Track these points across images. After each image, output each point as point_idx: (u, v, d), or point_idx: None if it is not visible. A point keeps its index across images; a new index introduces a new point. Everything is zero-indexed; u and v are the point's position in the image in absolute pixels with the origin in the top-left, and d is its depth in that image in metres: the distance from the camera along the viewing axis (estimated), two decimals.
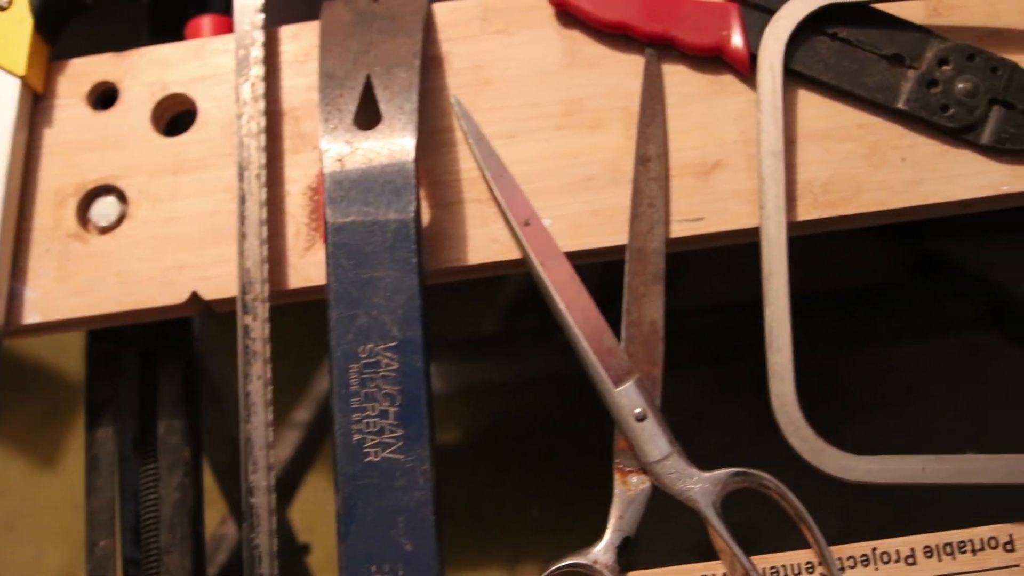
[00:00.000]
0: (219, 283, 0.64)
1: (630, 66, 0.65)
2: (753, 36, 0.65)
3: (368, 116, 0.62)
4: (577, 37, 0.66)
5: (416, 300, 0.59)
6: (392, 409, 0.58)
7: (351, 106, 0.63)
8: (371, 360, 0.58)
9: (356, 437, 0.58)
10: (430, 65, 0.66)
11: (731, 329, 1.21)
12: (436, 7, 0.67)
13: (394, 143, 0.61)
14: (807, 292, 0.87)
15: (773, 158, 0.62)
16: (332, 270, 0.60)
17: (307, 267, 0.64)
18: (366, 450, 0.58)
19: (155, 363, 0.69)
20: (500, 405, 1.26)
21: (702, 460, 0.59)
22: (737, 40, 0.64)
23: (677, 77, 0.65)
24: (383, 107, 0.62)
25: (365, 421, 0.58)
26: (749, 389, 1.27)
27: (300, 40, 0.68)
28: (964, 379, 1.16)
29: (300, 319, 0.68)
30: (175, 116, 0.69)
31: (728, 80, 0.65)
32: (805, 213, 0.63)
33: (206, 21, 0.75)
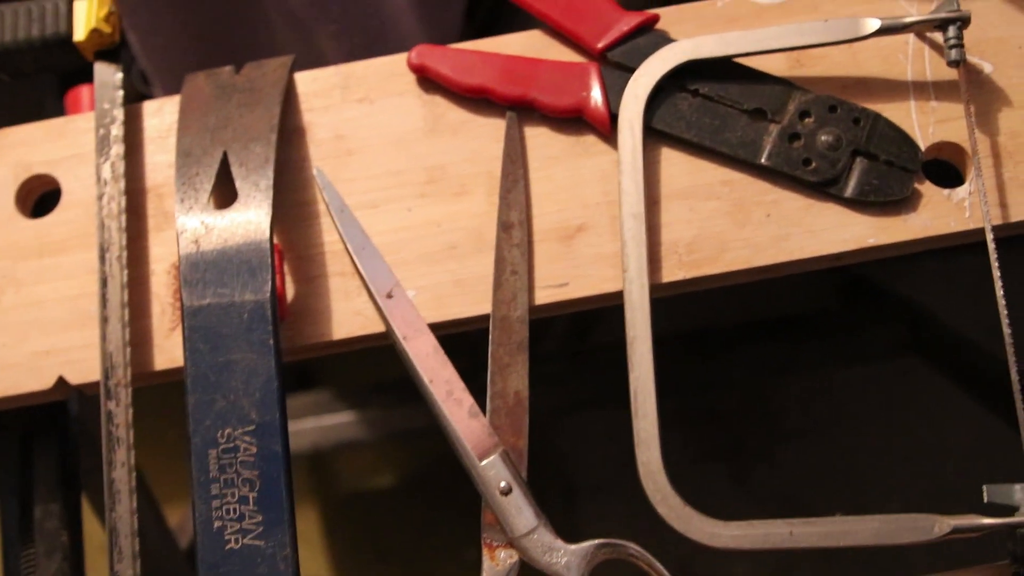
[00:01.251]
0: (85, 367, 0.63)
1: (492, 130, 0.65)
2: (614, 95, 0.64)
3: (224, 194, 0.61)
4: (439, 103, 0.66)
5: (273, 383, 0.58)
6: (251, 495, 0.57)
7: (207, 184, 0.62)
8: (230, 445, 0.58)
9: (216, 524, 0.57)
10: (292, 136, 0.66)
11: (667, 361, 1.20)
12: (297, 77, 0.67)
13: (249, 222, 0.60)
14: (739, 319, 0.86)
15: (634, 220, 0.62)
16: (189, 354, 0.59)
17: (173, 347, 0.63)
18: (227, 537, 0.57)
19: (32, 447, 0.68)
20: (433, 447, 1.26)
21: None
22: (597, 100, 0.64)
23: (539, 139, 0.65)
24: (239, 184, 0.62)
25: (225, 507, 0.57)
26: (687, 422, 1.26)
27: (163, 115, 0.67)
28: (891, 402, 1.16)
29: None
30: (44, 196, 0.68)
31: (591, 141, 0.65)
32: (670, 275, 0.62)
33: (85, 92, 0.74)
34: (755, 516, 1.15)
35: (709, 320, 1.07)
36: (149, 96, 0.77)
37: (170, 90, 0.74)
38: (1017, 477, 0.56)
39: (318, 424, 1.11)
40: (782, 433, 1.26)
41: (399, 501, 1.29)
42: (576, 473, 1.27)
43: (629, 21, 0.65)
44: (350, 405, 1.14)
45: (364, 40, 0.80)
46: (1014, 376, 0.58)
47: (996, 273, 0.60)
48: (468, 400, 0.60)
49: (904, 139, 0.63)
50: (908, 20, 0.63)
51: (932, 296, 1.15)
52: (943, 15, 0.63)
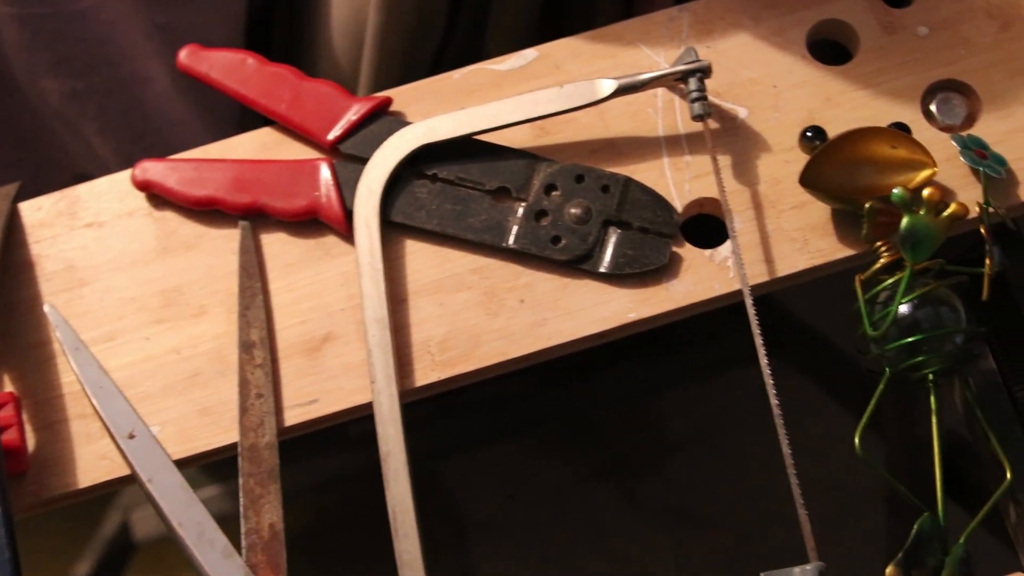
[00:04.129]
0: None
1: (227, 243, 0.61)
2: (349, 191, 0.60)
3: None
4: (170, 219, 0.62)
5: (5, 553, 0.55)
6: None
7: None
8: None
9: None
10: (20, 272, 0.62)
11: (543, 384, 1.17)
12: (22, 206, 0.63)
13: None
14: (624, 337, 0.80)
15: (378, 325, 0.58)
16: None
17: None
18: None
19: None
20: (323, 501, 1.23)
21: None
22: (330, 199, 0.60)
23: (276, 247, 0.61)
24: None
25: None
26: (569, 442, 1.23)
27: None
28: (765, 406, 1.13)
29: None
30: None
31: (331, 242, 0.61)
32: (423, 377, 0.59)
33: None
34: (647, 530, 1.12)
35: None
36: None
37: None
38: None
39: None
40: (667, 445, 1.23)
41: None
42: (463, 513, 1.24)
43: (359, 109, 0.61)
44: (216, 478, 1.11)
45: (130, 134, 0.76)
46: (785, 451, 0.55)
47: (759, 341, 0.56)
48: (221, 540, 0.57)
49: (658, 202, 0.60)
50: (645, 77, 0.59)
51: (789, 295, 1.11)
52: (682, 67, 0.59)
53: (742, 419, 1.23)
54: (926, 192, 0.55)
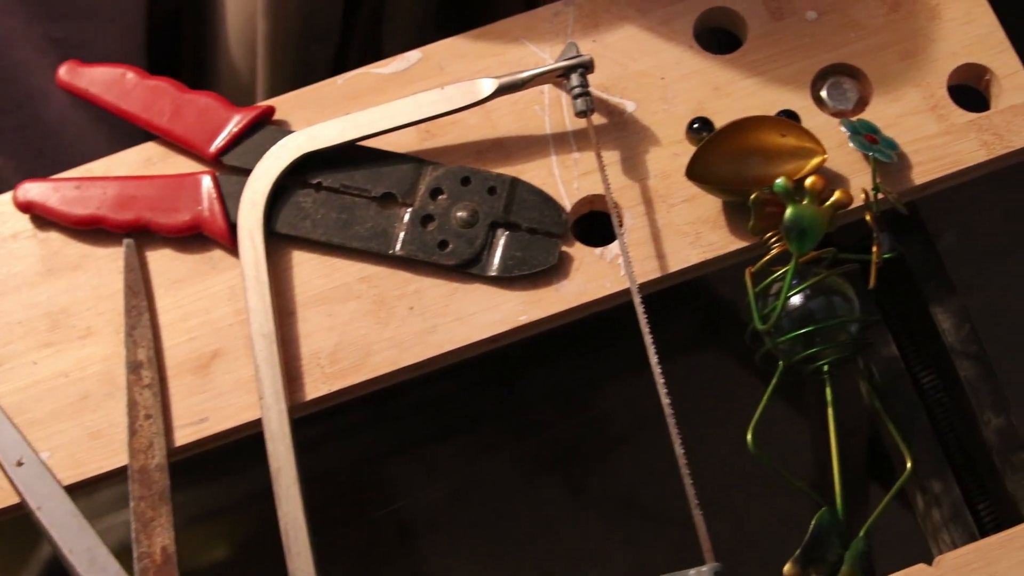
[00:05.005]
0: None
1: (112, 262, 0.60)
2: (233, 204, 0.59)
3: None
4: (54, 239, 0.61)
5: None
6: None
7: None
8: None
9: None
10: None
11: (485, 382, 1.16)
12: None
13: None
14: (556, 330, 0.81)
15: (265, 340, 0.57)
16: None
17: None
18: None
19: None
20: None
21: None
22: (213, 212, 0.59)
23: (162, 263, 0.60)
24: None
25: None
26: (515, 438, 1.22)
27: None
28: (706, 392, 1.12)
29: None
30: None
31: (218, 256, 0.60)
32: (314, 390, 0.58)
33: None
34: (596, 524, 1.11)
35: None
36: None
37: None
38: None
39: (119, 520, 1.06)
40: (611, 437, 1.23)
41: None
42: (409, 514, 1.23)
43: (240, 119, 0.60)
44: None
45: (31, 151, 0.75)
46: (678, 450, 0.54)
47: (648, 339, 0.55)
48: (113, 566, 0.56)
49: (546, 202, 0.59)
50: (525, 76, 0.58)
51: (722, 279, 1.11)
52: (563, 63, 0.58)
53: (685, 407, 1.22)
54: (809, 181, 0.54)
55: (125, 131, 0.75)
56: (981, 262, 1.10)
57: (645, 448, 1.18)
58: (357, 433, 1.15)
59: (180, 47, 0.83)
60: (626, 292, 0.58)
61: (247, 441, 0.60)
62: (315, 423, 0.63)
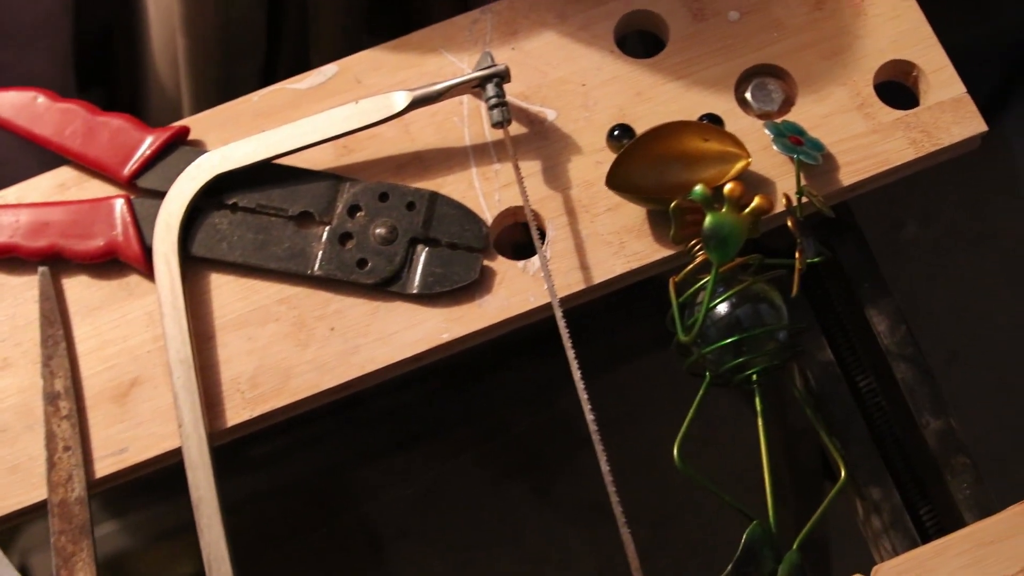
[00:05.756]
0: None
1: (28, 291, 0.59)
2: (148, 227, 0.58)
3: None
4: None
5: None
6: None
7: None
8: None
9: None
10: None
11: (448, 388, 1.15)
12: None
13: None
14: (518, 332, 0.81)
15: (183, 366, 0.56)
16: None
17: None
18: None
19: None
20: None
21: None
22: (128, 236, 0.58)
23: (79, 290, 0.59)
24: None
25: None
26: (481, 444, 1.21)
27: None
28: (667, 392, 1.11)
29: None
30: None
31: (135, 281, 0.59)
32: (235, 416, 0.56)
33: None
34: (564, 527, 1.10)
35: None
36: None
37: None
38: None
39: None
40: (577, 439, 1.22)
41: None
42: (377, 523, 1.22)
43: (153, 141, 0.59)
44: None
45: None
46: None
47: (571, 354, 0.54)
48: None
49: (466, 216, 0.57)
50: (440, 88, 0.57)
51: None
52: (478, 74, 0.57)
53: (651, 408, 1.21)
54: (727, 188, 0.53)
55: (55, 155, 0.73)
56: (944, 251, 1.09)
57: (611, 449, 1.17)
58: (322, 442, 1.14)
59: (113, 63, 0.81)
60: (550, 306, 0.56)
61: (225, 454, 0.59)
62: (280, 434, 0.62)
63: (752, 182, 0.57)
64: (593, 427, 0.53)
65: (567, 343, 0.54)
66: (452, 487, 1.13)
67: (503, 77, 0.57)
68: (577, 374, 0.53)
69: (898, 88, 0.60)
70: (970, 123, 0.58)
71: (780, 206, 0.55)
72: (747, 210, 0.53)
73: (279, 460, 1.13)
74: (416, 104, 0.57)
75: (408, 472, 1.15)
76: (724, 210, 0.53)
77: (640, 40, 0.63)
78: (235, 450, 0.60)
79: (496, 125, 0.57)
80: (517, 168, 0.56)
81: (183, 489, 0.99)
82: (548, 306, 0.57)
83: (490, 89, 0.57)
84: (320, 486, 1.12)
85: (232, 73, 0.69)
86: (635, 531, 1.08)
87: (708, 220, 0.53)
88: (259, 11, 0.67)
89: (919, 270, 1.05)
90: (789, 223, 0.53)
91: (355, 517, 1.20)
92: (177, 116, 0.74)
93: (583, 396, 0.53)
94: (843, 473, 0.55)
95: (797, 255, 0.53)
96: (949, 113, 0.58)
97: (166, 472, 0.60)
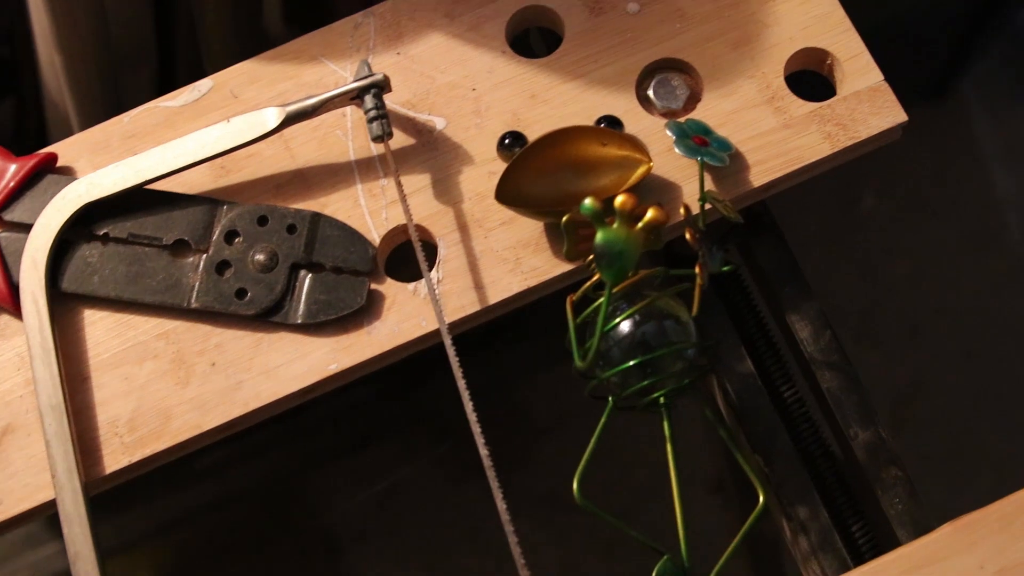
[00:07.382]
0: None
1: None
2: (15, 263, 0.54)
3: None
4: None
5: None
6: None
7: None
8: None
9: None
10: None
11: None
12: None
13: None
14: (484, 325, 0.77)
15: (54, 412, 0.52)
16: None
17: None
18: None
19: None
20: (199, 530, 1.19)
21: None
22: None
23: None
24: None
25: None
26: (437, 440, 1.18)
27: None
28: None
29: None
30: None
31: (4, 322, 0.55)
32: (114, 462, 0.53)
33: None
34: (524, 522, 1.07)
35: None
36: None
37: None
38: None
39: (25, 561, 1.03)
40: (533, 433, 1.19)
41: None
42: (334, 527, 1.19)
43: (17, 170, 0.55)
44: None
45: None
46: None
47: (462, 384, 0.50)
48: None
49: (351, 237, 0.54)
50: (314, 102, 0.53)
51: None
52: (354, 85, 0.53)
53: (600, 408, 1.17)
54: (618, 201, 0.49)
55: None
56: (902, 221, 1.05)
57: (568, 442, 1.14)
58: (269, 450, 1.11)
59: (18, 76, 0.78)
60: (446, 329, 0.53)
61: (170, 467, 0.56)
62: (224, 443, 0.59)
63: (656, 187, 0.53)
64: (488, 462, 0.49)
65: (457, 372, 0.50)
66: (408, 487, 1.10)
67: (382, 87, 0.53)
68: (469, 405, 0.50)
69: (811, 79, 0.55)
70: (889, 113, 0.54)
71: (678, 216, 0.51)
72: (640, 224, 0.49)
73: (226, 470, 1.10)
74: (290, 120, 0.53)
75: (362, 475, 1.12)
76: (616, 225, 0.49)
77: (542, 38, 0.59)
78: (178, 461, 0.57)
79: (376, 139, 0.53)
80: (399, 184, 0.53)
81: (136, 501, 0.96)
82: (438, 332, 0.53)
83: (368, 101, 0.53)
84: (271, 494, 1.09)
85: (123, 85, 0.65)
86: (595, 524, 1.04)
87: (598, 237, 0.49)
88: (144, 19, 0.63)
89: (878, 243, 1.01)
90: (687, 235, 0.49)
91: (310, 523, 1.17)
92: (70, 134, 0.70)
93: (476, 430, 0.49)
94: (761, 499, 0.51)
95: (697, 270, 0.49)
96: (866, 103, 0.54)
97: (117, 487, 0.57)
